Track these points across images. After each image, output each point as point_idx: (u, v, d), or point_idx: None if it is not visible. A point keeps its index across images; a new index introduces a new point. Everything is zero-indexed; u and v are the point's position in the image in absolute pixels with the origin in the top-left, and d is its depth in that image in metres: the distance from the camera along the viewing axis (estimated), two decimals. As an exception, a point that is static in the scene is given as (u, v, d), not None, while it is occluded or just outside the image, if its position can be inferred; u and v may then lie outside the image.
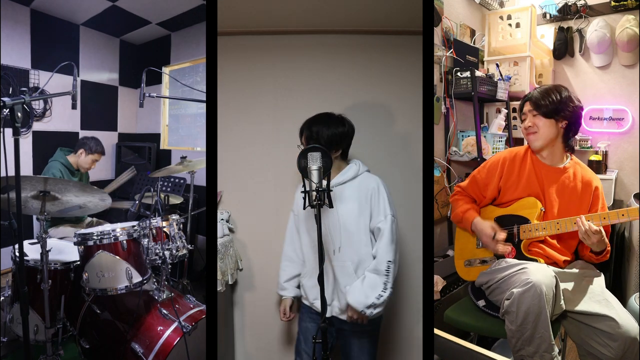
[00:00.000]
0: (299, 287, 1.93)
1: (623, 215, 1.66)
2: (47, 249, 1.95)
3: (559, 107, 1.81)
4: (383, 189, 1.79)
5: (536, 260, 1.81)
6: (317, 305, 1.79)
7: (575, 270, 1.85)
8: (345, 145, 1.81)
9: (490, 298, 1.84)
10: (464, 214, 1.97)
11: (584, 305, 1.67)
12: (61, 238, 2.89)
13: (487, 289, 1.85)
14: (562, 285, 1.70)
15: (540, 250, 1.86)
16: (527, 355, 1.61)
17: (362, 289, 1.68)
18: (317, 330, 1.43)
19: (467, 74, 2.52)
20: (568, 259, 1.88)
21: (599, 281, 1.79)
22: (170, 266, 2.21)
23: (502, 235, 1.87)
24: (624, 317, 1.60)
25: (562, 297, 1.66)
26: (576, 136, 3.15)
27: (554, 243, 1.87)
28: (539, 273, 1.61)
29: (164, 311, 2.02)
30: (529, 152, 1.92)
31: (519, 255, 1.85)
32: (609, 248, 1.82)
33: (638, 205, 1.65)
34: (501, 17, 2.96)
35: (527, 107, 1.88)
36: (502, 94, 2.75)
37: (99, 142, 3.25)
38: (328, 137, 1.74)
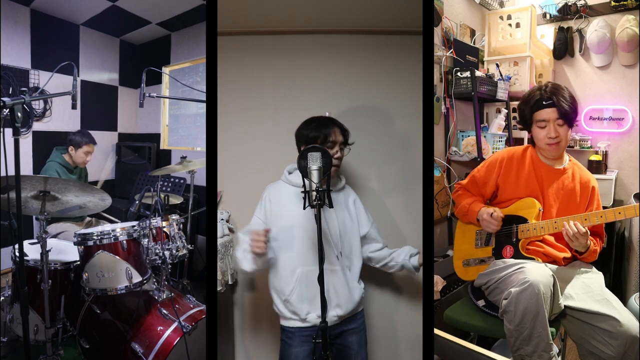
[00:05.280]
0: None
1: (620, 213, 1.68)
2: (47, 249, 1.95)
3: (576, 113, 1.79)
4: (359, 201, 1.94)
5: (534, 259, 1.82)
6: (311, 319, 1.72)
7: (573, 269, 1.85)
8: None
9: (490, 298, 1.85)
10: (470, 205, 1.97)
11: (584, 304, 1.67)
12: (58, 233, 2.90)
13: (486, 289, 1.85)
14: (561, 284, 1.70)
15: (539, 249, 1.86)
16: (525, 354, 1.61)
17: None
18: (317, 330, 1.43)
19: (467, 74, 2.52)
20: (567, 255, 1.87)
21: (598, 280, 1.79)
22: (170, 266, 2.21)
23: (500, 215, 1.87)
24: (625, 315, 1.60)
25: (560, 297, 1.66)
26: (576, 136, 3.17)
27: (552, 241, 1.88)
28: (537, 272, 1.62)
29: (164, 311, 2.02)
30: (528, 151, 1.92)
31: (517, 255, 1.86)
32: (595, 248, 1.83)
33: (635, 204, 1.65)
34: (501, 17, 2.96)
35: (551, 115, 1.77)
36: (502, 94, 2.75)
37: (85, 132, 3.22)
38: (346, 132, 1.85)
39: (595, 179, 1.92)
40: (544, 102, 1.77)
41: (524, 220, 1.87)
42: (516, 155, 1.92)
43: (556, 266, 1.83)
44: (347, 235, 1.81)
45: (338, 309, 1.74)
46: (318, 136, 1.74)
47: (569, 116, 1.76)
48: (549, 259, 1.85)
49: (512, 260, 1.81)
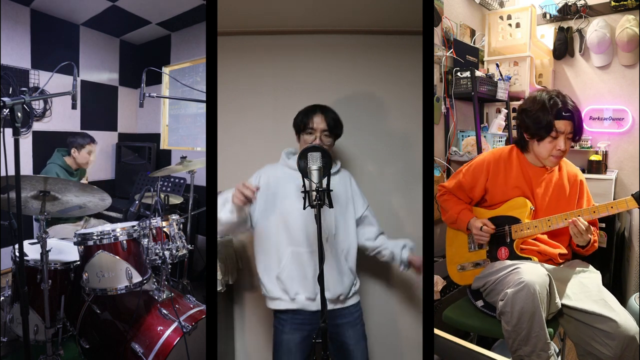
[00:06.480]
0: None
1: (612, 207, 1.68)
2: (47, 249, 1.95)
3: (583, 130, 1.80)
4: (354, 181, 1.93)
5: (530, 259, 1.82)
6: (299, 300, 1.72)
7: (570, 269, 1.85)
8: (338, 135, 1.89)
9: (488, 299, 1.85)
10: (459, 214, 1.97)
11: (581, 304, 1.67)
12: (62, 239, 2.89)
13: (484, 291, 1.86)
14: (558, 284, 1.70)
15: (534, 247, 1.86)
16: (524, 355, 1.61)
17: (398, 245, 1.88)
18: (317, 330, 1.43)
19: (467, 74, 2.52)
20: (564, 252, 1.88)
21: (596, 280, 1.79)
22: (170, 266, 2.21)
23: (490, 228, 1.87)
24: (622, 316, 1.60)
25: (557, 296, 1.66)
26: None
27: (546, 238, 1.88)
28: (532, 272, 1.62)
29: (164, 311, 2.02)
30: (514, 152, 1.92)
31: (512, 255, 1.86)
32: (596, 238, 1.84)
33: (626, 198, 1.65)
34: (501, 17, 2.96)
35: (567, 127, 1.73)
36: (502, 94, 2.75)
37: (85, 134, 3.27)
38: (334, 120, 1.81)
39: (581, 172, 1.94)
40: (563, 113, 1.72)
41: (516, 220, 1.86)
42: (502, 157, 1.92)
43: (553, 266, 1.83)
44: (340, 219, 1.80)
45: (326, 292, 1.69)
46: (299, 124, 1.82)
47: (579, 132, 1.77)
48: (544, 258, 1.85)
49: (508, 262, 1.81)
